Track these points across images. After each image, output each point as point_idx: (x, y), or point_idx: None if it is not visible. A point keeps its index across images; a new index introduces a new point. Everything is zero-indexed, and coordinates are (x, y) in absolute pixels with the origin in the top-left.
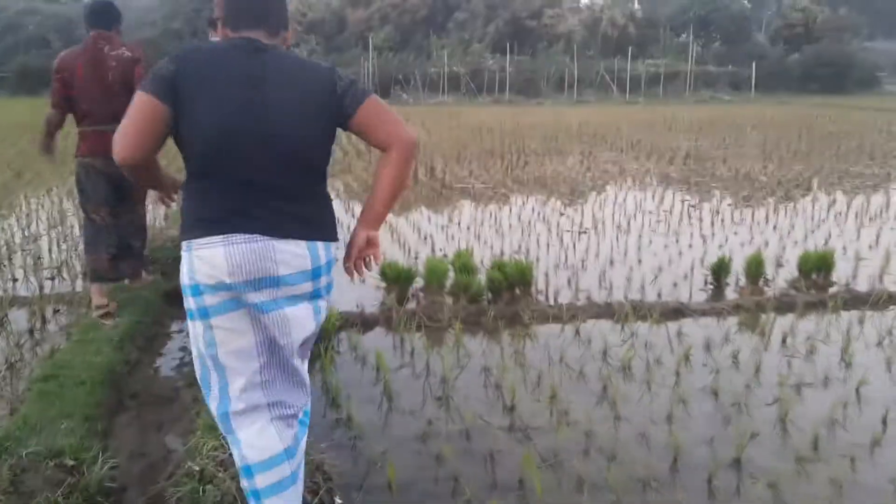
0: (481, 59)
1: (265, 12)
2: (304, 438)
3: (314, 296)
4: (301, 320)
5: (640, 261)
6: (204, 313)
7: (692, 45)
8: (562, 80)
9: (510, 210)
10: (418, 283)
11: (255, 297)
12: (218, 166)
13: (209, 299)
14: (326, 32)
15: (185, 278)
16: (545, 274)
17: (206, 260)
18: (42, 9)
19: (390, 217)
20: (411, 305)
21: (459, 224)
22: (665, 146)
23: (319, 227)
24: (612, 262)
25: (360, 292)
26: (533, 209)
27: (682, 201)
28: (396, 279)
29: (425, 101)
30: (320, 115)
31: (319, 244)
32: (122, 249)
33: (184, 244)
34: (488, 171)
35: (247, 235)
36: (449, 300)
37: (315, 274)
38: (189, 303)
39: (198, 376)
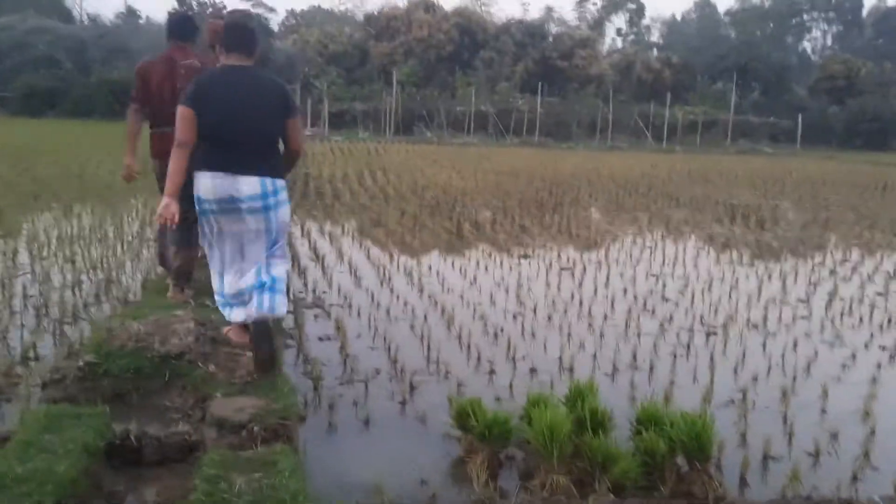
0: (510, 98)
1: (244, 43)
2: (277, 296)
3: (265, 208)
4: (258, 222)
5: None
6: (204, 212)
7: (733, 93)
8: (592, 123)
9: (594, 289)
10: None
11: (229, 206)
12: (215, 136)
13: (206, 205)
14: (348, 65)
15: (196, 191)
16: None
17: (202, 183)
18: (54, 28)
19: (437, 294)
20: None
21: (536, 311)
22: (739, 204)
23: (268, 169)
24: (786, 394)
25: (422, 451)
26: (625, 290)
27: (828, 291)
28: (485, 433)
29: (449, 140)
30: (275, 111)
31: (267, 178)
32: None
33: (195, 174)
34: (546, 228)
35: (223, 173)
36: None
37: (264, 196)
38: (197, 206)
39: (205, 249)
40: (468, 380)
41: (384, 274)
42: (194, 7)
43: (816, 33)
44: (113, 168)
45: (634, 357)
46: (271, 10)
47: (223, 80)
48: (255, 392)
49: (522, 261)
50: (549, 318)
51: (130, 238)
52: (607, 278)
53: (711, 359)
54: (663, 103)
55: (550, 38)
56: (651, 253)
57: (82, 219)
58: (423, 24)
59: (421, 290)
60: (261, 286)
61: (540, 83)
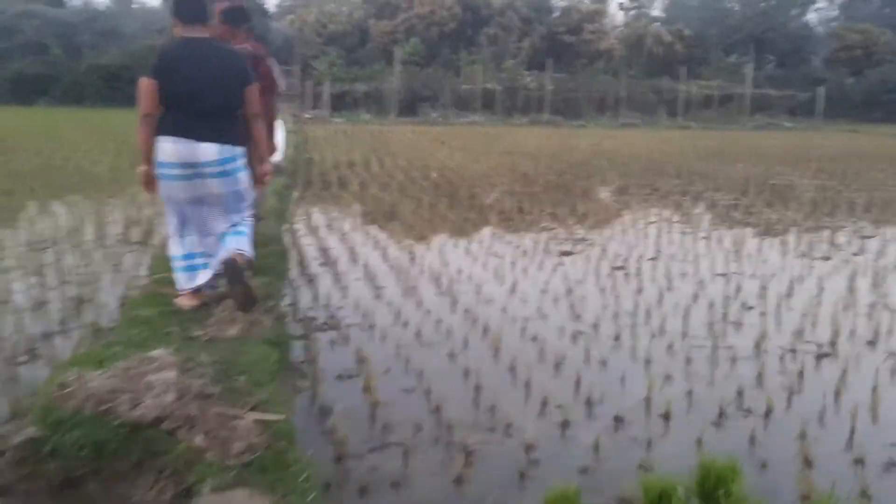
0: (518, 76)
1: (199, 14)
2: (243, 237)
3: (222, 174)
4: (215, 186)
5: None
6: (163, 176)
7: (752, 65)
8: (603, 100)
9: (658, 294)
10: None
11: (189, 171)
12: (178, 105)
13: (166, 169)
14: (348, 45)
15: (158, 157)
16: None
17: (164, 149)
18: (42, 13)
19: (473, 307)
20: None
21: (597, 328)
22: (786, 185)
23: (227, 137)
24: None
25: None
26: (696, 296)
27: None
28: None
29: (455, 120)
30: (234, 81)
31: (225, 145)
32: None
33: (157, 139)
34: (580, 218)
35: (184, 139)
36: None
37: (221, 162)
38: (158, 170)
39: (166, 217)
40: (538, 438)
41: (407, 280)
42: None
43: (822, 3)
44: (99, 158)
45: (740, 395)
46: None
47: (186, 53)
48: (257, 479)
49: (564, 259)
50: (617, 337)
51: (112, 242)
52: (668, 280)
53: (837, 394)
54: (676, 78)
55: (557, 13)
56: (707, 245)
57: (58, 219)
58: (424, 1)
59: (454, 302)
60: (223, 237)
61: (548, 59)
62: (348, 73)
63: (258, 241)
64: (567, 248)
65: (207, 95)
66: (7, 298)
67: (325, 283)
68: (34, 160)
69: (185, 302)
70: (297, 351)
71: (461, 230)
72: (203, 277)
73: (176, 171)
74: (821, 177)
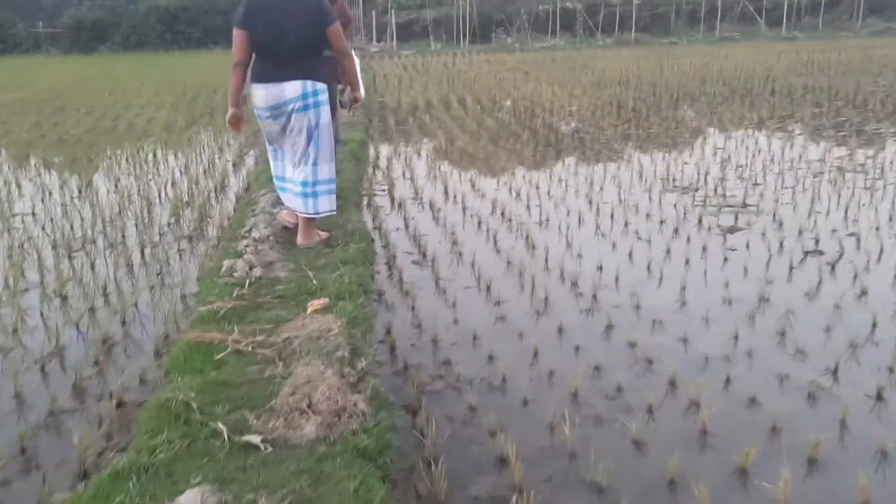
0: None
1: None
2: (320, 198)
3: (305, 108)
4: (301, 120)
5: None
6: (259, 117)
7: None
8: (693, 13)
9: None
10: None
11: (278, 111)
12: (264, 52)
13: (261, 112)
14: None
15: (253, 102)
16: None
17: (256, 94)
18: None
19: (643, 342)
20: None
21: (850, 381)
22: None
23: (308, 74)
24: None
25: None
26: None
27: None
28: None
29: (532, 45)
30: (312, 23)
31: (307, 81)
32: None
33: (251, 86)
34: (715, 165)
35: (272, 83)
36: None
37: (304, 97)
38: (256, 112)
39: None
40: None
41: (540, 297)
42: None
43: None
44: (153, 115)
45: None
46: None
47: (267, 2)
48: None
49: (730, 238)
50: (879, 395)
51: (153, 239)
52: None
53: None
54: None
55: None
56: None
57: (97, 208)
58: None
59: (607, 329)
60: (304, 186)
61: None
62: (415, 1)
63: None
64: (727, 219)
65: (290, 39)
66: (10, 340)
67: (429, 301)
68: (84, 121)
69: (285, 217)
70: (415, 459)
71: (585, 198)
72: (292, 202)
73: (268, 113)
74: None
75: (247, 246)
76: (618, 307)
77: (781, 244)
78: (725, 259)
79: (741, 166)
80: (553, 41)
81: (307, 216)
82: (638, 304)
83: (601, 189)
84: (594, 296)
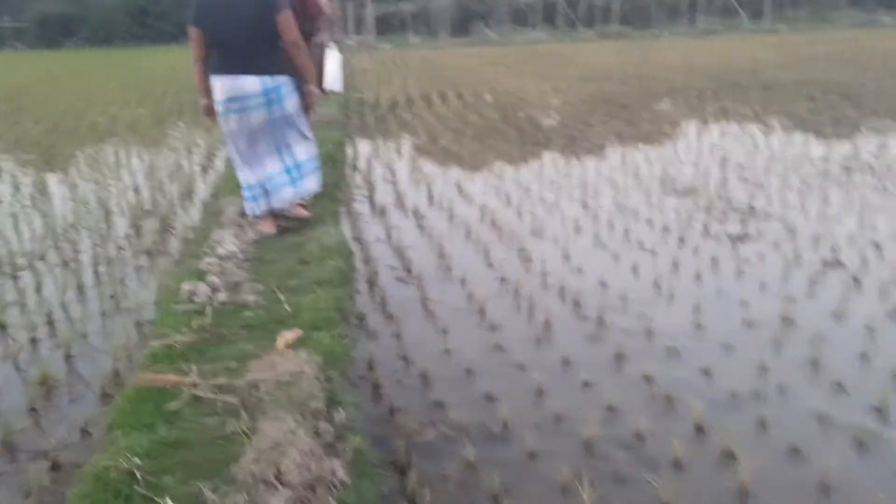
0: None
1: None
2: (306, 179)
3: (267, 103)
4: (263, 115)
5: None
6: (219, 113)
7: None
8: (674, 5)
9: None
10: None
11: (237, 104)
12: (218, 46)
13: (220, 106)
14: None
15: (214, 95)
16: None
17: (215, 86)
18: None
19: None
20: None
21: None
22: None
23: (266, 68)
24: None
25: None
26: None
27: None
28: None
29: (514, 37)
30: (262, 12)
31: (266, 76)
32: None
33: (210, 79)
34: (709, 164)
35: (228, 75)
36: None
37: (265, 93)
38: (216, 107)
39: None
40: None
41: (541, 317)
42: None
43: None
44: (117, 113)
45: None
46: None
47: None
48: None
49: (740, 246)
50: None
51: (114, 256)
52: None
53: None
54: None
55: None
56: None
57: (50, 218)
58: None
59: (618, 360)
60: (287, 173)
61: None
62: None
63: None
64: (734, 226)
65: (241, 32)
66: None
67: (416, 327)
68: (45, 120)
69: (262, 228)
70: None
71: (579, 202)
72: (263, 206)
73: (226, 106)
74: None
75: (210, 264)
76: (627, 332)
77: (797, 255)
78: (738, 272)
79: (741, 166)
80: (534, 34)
81: (299, 201)
82: (649, 327)
83: (596, 192)
84: (600, 318)
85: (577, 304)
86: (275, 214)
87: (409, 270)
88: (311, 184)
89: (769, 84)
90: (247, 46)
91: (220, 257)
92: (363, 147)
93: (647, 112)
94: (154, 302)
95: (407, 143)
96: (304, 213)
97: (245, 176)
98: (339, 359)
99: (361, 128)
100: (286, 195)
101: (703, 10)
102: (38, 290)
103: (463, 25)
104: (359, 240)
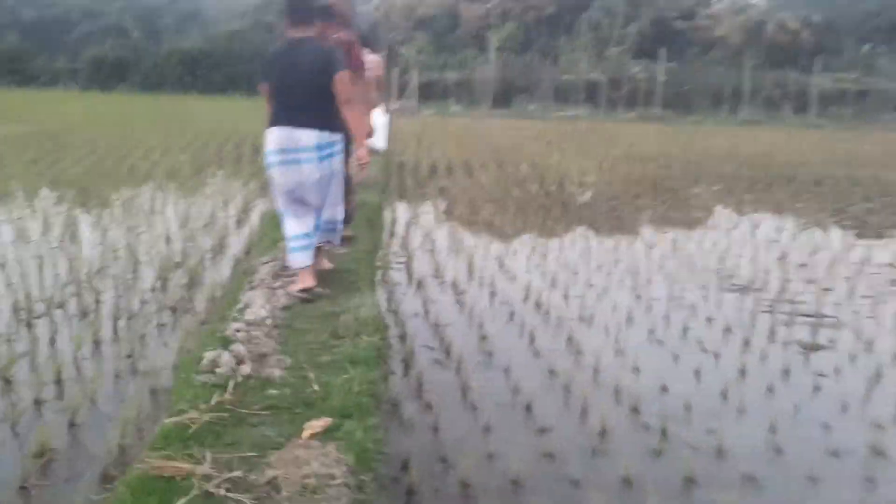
0: (624, 65)
1: (304, 16)
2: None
3: (319, 158)
4: (312, 171)
5: None
6: (270, 164)
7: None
8: (717, 93)
9: None
10: None
11: (289, 156)
12: (279, 99)
13: (271, 157)
14: (437, 29)
15: (265, 147)
16: None
17: (269, 137)
18: None
19: None
20: None
21: None
22: None
23: (321, 124)
24: None
25: None
26: None
27: None
28: None
29: (554, 113)
30: (323, 72)
31: (322, 132)
32: None
33: (265, 131)
34: (780, 265)
35: (286, 127)
36: None
37: (318, 147)
38: (267, 159)
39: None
40: None
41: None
42: None
43: None
44: (159, 159)
45: None
46: None
47: (283, 52)
48: None
49: (811, 356)
50: None
51: (137, 310)
52: None
53: None
54: (800, 69)
55: None
56: None
57: (77, 262)
58: None
59: None
60: (318, 230)
61: (662, 47)
62: (437, 61)
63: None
64: (803, 332)
65: (302, 87)
66: None
67: (455, 422)
68: (85, 160)
69: (302, 282)
70: None
71: (630, 290)
72: (306, 258)
73: (278, 158)
74: None
75: (238, 330)
76: (695, 450)
77: (878, 372)
78: (815, 388)
79: (803, 265)
80: (575, 111)
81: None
82: (720, 446)
83: (648, 281)
84: (663, 430)
85: (635, 410)
86: (312, 268)
87: (447, 351)
88: (335, 237)
89: (820, 179)
90: (305, 101)
91: (248, 323)
92: (402, 212)
93: (696, 198)
94: (173, 367)
95: (446, 212)
96: (327, 265)
97: (290, 227)
98: (372, 456)
99: (400, 192)
100: (306, 256)
101: (745, 99)
102: (53, 341)
103: (504, 97)
104: (395, 312)
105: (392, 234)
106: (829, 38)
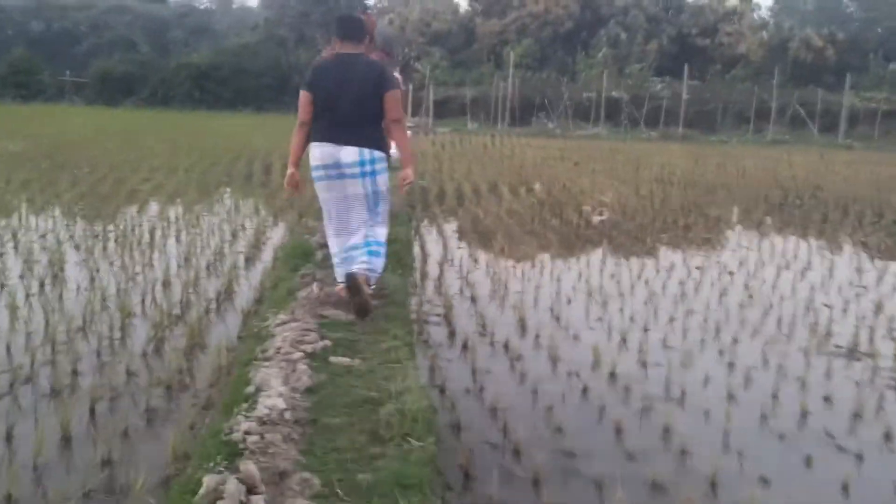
0: (646, 82)
1: (353, 33)
2: (374, 258)
3: (362, 174)
4: (356, 186)
5: None
6: (316, 178)
7: None
8: (740, 112)
9: None
10: None
11: (333, 171)
12: (324, 114)
13: (316, 172)
14: (452, 45)
15: (311, 161)
16: None
17: (313, 153)
18: (133, 7)
19: None
20: None
21: None
22: None
23: (366, 142)
24: None
25: None
26: None
27: None
28: None
29: (574, 131)
30: (371, 89)
31: (365, 149)
32: None
33: (310, 146)
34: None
35: (328, 143)
36: None
37: (361, 164)
38: (312, 174)
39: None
40: None
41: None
42: None
43: None
44: (162, 180)
45: None
46: None
47: (333, 67)
48: None
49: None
50: None
51: (121, 387)
52: None
53: None
54: (824, 87)
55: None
56: None
57: (57, 315)
58: None
59: None
60: (367, 246)
61: (685, 65)
62: (452, 77)
63: None
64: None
65: (349, 104)
66: None
67: None
68: (82, 183)
69: (343, 294)
70: None
71: (718, 354)
72: (354, 267)
73: (322, 173)
74: None
75: (248, 433)
76: None
77: None
78: None
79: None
80: (595, 129)
81: (367, 274)
82: None
83: (734, 340)
84: None
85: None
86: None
87: (516, 452)
88: (377, 264)
89: (878, 209)
90: (352, 118)
91: (262, 421)
92: (433, 248)
93: (750, 229)
94: (160, 483)
95: (482, 247)
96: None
97: (335, 243)
98: None
99: (429, 224)
100: (361, 262)
101: (769, 118)
102: (9, 437)
103: (522, 115)
104: (441, 388)
105: (424, 275)
106: (853, 56)
